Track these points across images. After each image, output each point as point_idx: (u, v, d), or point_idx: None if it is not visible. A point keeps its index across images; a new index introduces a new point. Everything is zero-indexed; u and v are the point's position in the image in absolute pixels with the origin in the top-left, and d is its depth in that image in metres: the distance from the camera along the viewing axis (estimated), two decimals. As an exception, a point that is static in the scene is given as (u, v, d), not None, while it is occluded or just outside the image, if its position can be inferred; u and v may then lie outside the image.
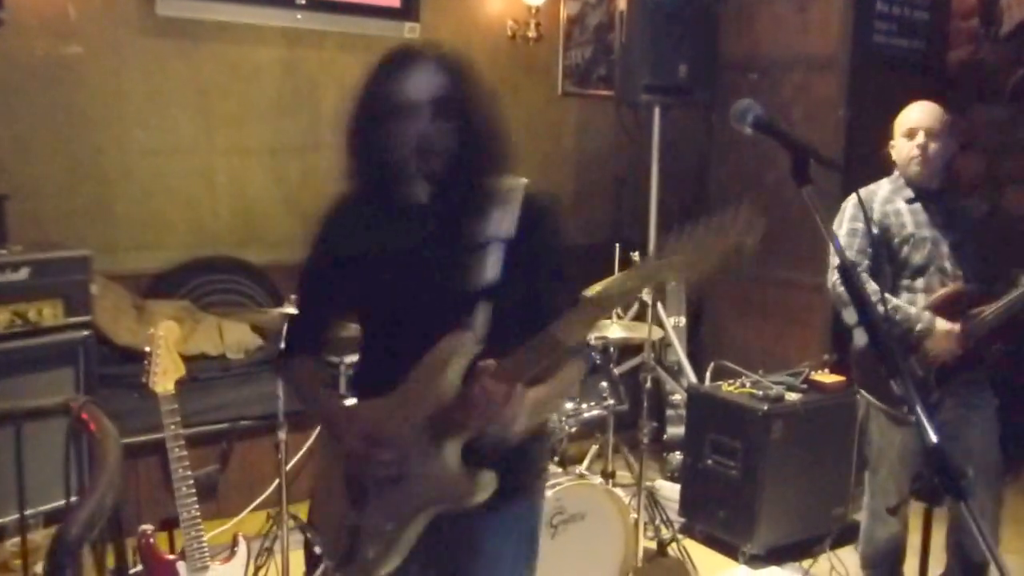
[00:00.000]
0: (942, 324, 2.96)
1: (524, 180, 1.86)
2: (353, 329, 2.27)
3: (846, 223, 3.10)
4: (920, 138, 3.01)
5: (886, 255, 3.07)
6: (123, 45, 4.08)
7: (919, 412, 1.41)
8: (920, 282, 3.05)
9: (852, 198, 3.13)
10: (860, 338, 3.13)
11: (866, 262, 3.05)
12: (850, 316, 3.06)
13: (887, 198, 3.10)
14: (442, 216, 1.81)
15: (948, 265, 3.04)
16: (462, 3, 5.05)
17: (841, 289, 2.93)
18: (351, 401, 2.04)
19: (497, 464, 1.75)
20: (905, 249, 3.05)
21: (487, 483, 1.74)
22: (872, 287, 2.94)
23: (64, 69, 3.93)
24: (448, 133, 1.74)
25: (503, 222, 1.79)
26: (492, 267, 1.78)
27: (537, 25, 5.16)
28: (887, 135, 3.14)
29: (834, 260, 3.06)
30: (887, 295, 3.03)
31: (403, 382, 1.80)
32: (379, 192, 1.81)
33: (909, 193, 3.08)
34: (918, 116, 3.04)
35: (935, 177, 3.08)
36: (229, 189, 4.44)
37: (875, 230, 3.07)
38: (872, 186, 3.15)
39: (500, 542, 1.91)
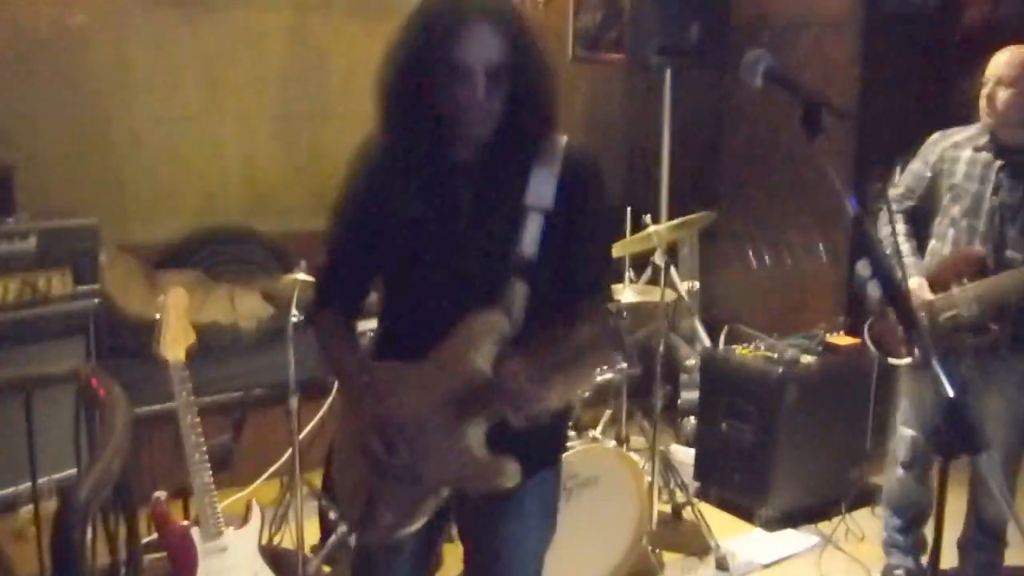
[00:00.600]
0: (914, 285, 2.94)
1: (565, 138, 1.80)
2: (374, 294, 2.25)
3: (913, 161, 3.12)
4: (989, 86, 2.89)
5: (932, 200, 3.05)
6: (128, 13, 4.05)
7: (935, 367, 1.38)
8: (951, 234, 2.99)
9: (931, 137, 3.10)
10: (874, 290, 3.10)
11: (908, 203, 3.10)
12: (864, 268, 3.04)
13: (958, 143, 3.01)
14: (484, 178, 1.76)
15: (984, 225, 2.92)
16: (469, -33, 4.98)
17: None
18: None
19: (523, 444, 1.72)
20: (947, 198, 3.00)
21: (512, 473, 1.72)
22: (887, 229, 2.95)
23: (69, 38, 3.90)
24: (501, 96, 1.67)
25: (544, 187, 1.74)
26: (530, 242, 1.73)
27: (547, -12, 5.08)
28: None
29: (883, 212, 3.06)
30: (901, 240, 3.01)
31: (429, 353, 1.76)
32: (418, 149, 1.74)
33: (982, 141, 2.96)
34: (992, 64, 2.91)
35: (1012, 128, 2.89)
36: (238, 158, 4.42)
37: (928, 173, 3.05)
38: (954, 128, 3.06)
39: (525, 510, 1.90)
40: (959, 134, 3.04)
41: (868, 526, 3.72)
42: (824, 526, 3.79)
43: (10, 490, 2.39)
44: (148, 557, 2.79)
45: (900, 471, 3.21)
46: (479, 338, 1.71)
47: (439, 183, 1.76)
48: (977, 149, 2.96)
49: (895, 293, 1.58)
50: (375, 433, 1.76)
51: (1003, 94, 2.86)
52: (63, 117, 3.92)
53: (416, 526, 1.81)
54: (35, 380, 2.22)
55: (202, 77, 4.27)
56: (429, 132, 1.71)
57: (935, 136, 3.10)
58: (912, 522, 3.27)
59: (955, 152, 3.00)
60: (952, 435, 1.35)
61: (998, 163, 2.91)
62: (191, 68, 4.23)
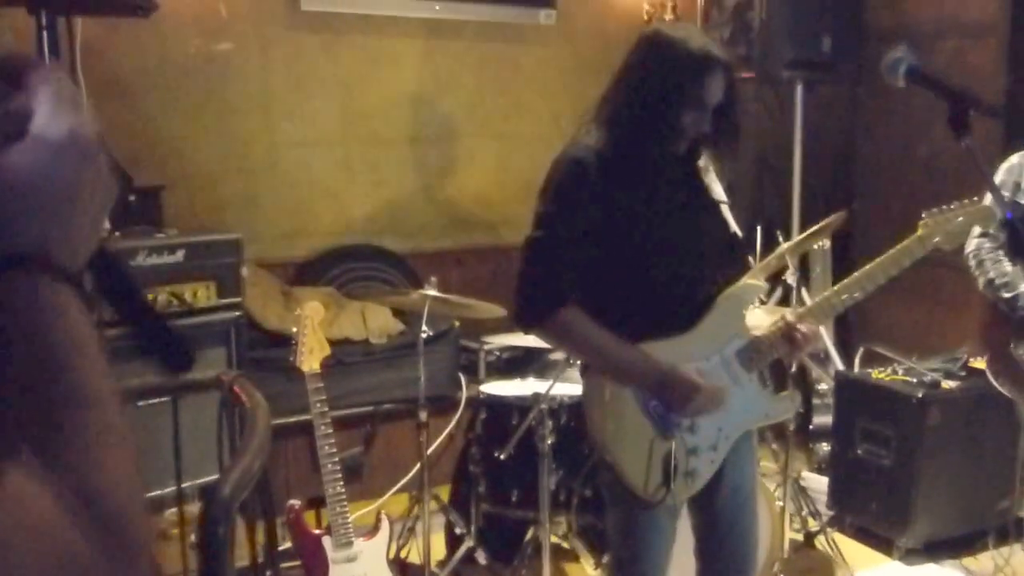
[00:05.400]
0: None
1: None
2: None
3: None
4: None
5: None
6: (270, 40, 4.23)
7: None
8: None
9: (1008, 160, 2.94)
10: None
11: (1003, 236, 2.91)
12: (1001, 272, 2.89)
13: None
14: (687, 181, 2.15)
15: None
16: (597, -12, 5.00)
17: (983, 253, 2.82)
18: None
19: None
20: None
21: (797, 400, 2.29)
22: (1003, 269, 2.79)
23: (215, 65, 4.10)
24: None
25: (716, 185, 2.18)
26: (733, 222, 2.18)
27: (673, 7, 5.03)
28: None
29: (975, 228, 2.91)
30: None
31: (697, 324, 2.08)
32: (650, 155, 2.05)
33: None
34: None
35: None
36: (369, 179, 4.53)
37: (1006, 193, 2.87)
38: None
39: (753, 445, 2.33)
40: None
41: (1020, 562, 3.49)
42: (969, 561, 3.58)
43: (156, 493, 2.49)
44: (283, 565, 2.87)
45: None
46: (746, 303, 2.12)
47: (668, 179, 2.09)
48: None
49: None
50: (695, 394, 2.01)
51: None
52: (208, 140, 4.12)
53: (710, 475, 2.11)
54: (181, 386, 2.33)
55: (336, 101, 4.41)
56: (681, 129, 2.05)
57: (1014, 159, 2.93)
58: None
59: None
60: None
61: None
62: (326, 92, 4.38)
